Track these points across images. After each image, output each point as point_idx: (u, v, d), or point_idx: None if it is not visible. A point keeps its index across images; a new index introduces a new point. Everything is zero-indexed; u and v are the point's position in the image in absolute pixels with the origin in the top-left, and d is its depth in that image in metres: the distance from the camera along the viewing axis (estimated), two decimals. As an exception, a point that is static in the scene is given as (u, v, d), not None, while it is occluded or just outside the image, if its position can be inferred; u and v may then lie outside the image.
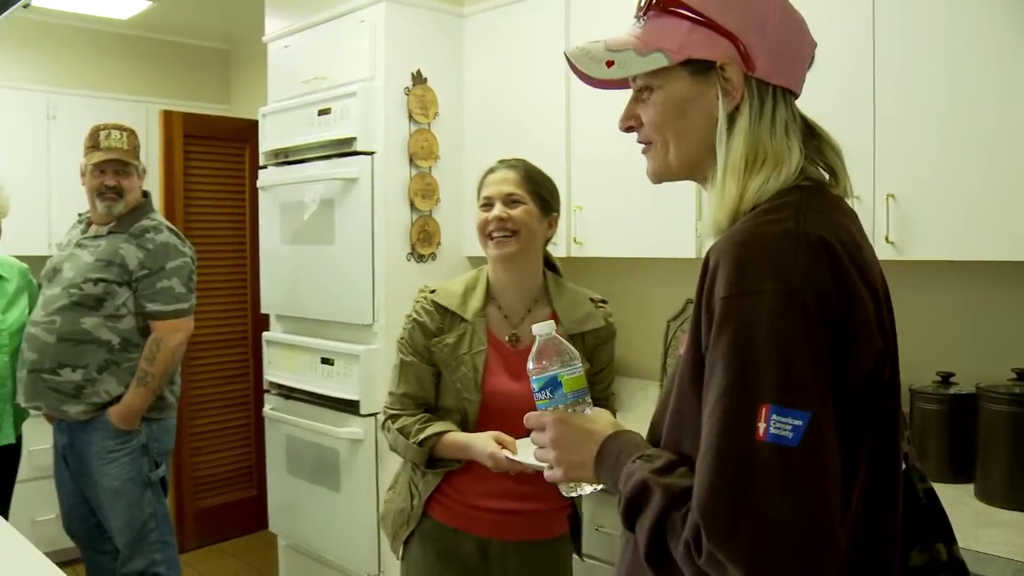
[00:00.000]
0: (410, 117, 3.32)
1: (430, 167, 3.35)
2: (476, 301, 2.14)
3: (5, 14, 2.53)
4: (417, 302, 2.17)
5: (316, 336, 3.52)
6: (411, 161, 3.31)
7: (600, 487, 1.26)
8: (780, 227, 1.02)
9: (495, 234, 2.11)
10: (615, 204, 2.98)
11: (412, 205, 3.32)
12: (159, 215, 3.26)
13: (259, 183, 3.77)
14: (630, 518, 1.10)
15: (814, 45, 1.19)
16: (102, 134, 3.16)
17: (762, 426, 0.96)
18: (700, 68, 1.14)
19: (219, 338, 4.83)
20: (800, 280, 0.99)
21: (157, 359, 3.08)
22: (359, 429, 3.28)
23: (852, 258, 1.03)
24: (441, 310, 2.13)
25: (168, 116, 4.69)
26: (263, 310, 3.87)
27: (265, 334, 3.82)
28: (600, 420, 1.27)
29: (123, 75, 5.25)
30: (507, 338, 2.15)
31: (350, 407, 3.33)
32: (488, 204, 2.14)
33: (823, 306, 0.98)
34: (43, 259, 3.60)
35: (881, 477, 1.08)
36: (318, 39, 3.56)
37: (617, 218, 2.99)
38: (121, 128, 3.23)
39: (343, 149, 3.34)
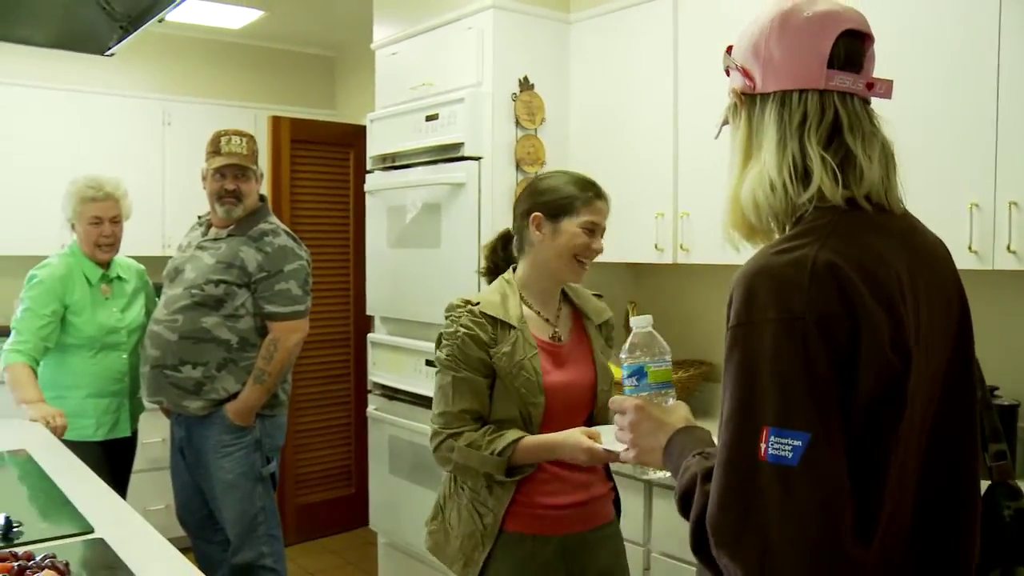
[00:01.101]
0: (517, 123, 3.36)
1: (536, 172, 3.39)
2: (515, 308, 2.19)
3: (141, 29, 2.64)
4: (459, 317, 2.17)
5: (420, 338, 3.58)
6: (517, 166, 3.35)
7: (666, 474, 1.38)
8: (792, 256, 1.09)
9: (584, 261, 2.20)
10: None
11: (518, 210, 3.36)
12: (275, 219, 3.36)
13: (366, 187, 3.85)
14: (683, 509, 1.20)
15: (839, 33, 1.19)
16: (223, 140, 3.27)
17: (763, 447, 1.03)
18: (734, 106, 1.29)
19: (322, 339, 4.94)
20: (803, 308, 1.05)
21: (274, 358, 3.18)
22: (462, 430, 3.32)
23: (870, 280, 1.08)
24: (491, 320, 2.15)
25: (276, 122, 4.83)
26: (368, 312, 3.96)
27: (370, 335, 3.90)
28: (676, 413, 1.39)
29: (234, 82, 5.44)
30: (550, 337, 2.23)
31: (452, 409, 3.37)
32: (592, 230, 2.19)
33: (825, 331, 1.04)
34: (157, 260, 3.76)
35: (906, 489, 1.12)
36: (425, 46, 3.62)
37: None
38: (241, 134, 3.35)
39: (450, 154, 3.40)
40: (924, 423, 1.15)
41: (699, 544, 1.13)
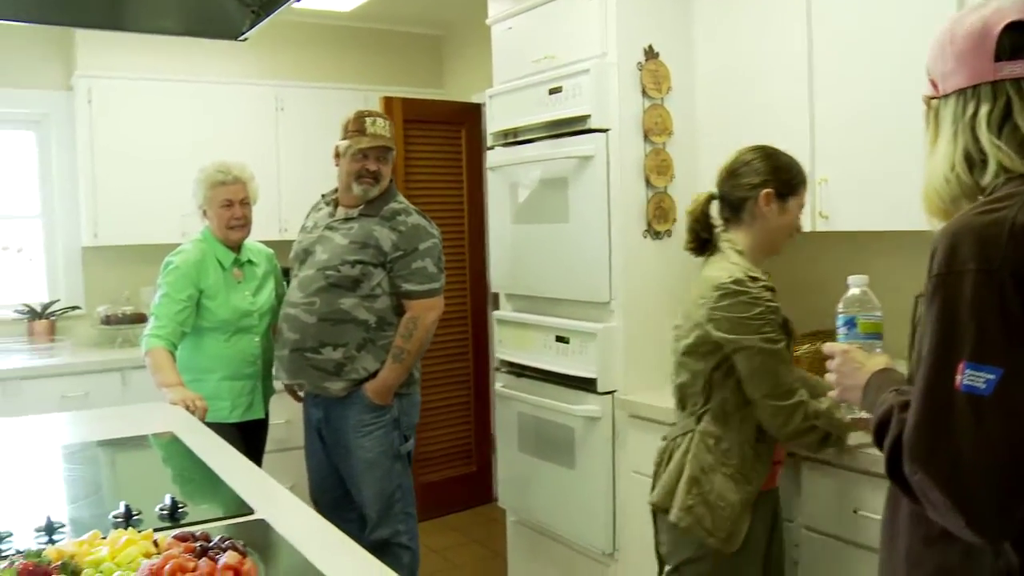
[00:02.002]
0: (643, 93, 3.27)
1: (664, 143, 3.30)
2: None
3: (274, 13, 2.65)
4: (759, 293, 2.25)
5: (549, 314, 3.53)
6: (645, 137, 3.27)
7: (865, 414, 1.55)
8: (992, 217, 1.24)
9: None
10: (865, 174, 2.84)
11: (647, 182, 3.28)
12: (403, 198, 3.35)
13: (488, 164, 3.82)
14: (879, 438, 1.37)
15: (999, 30, 1.34)
16: (367, 120, 3.27)
17: (959, 378, 1.21)
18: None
19: (441, 318, 4.94)
20: (1000, 261, 1.21)
21: (413, 336, 3.19)
22: (596, 407, 3.27)
23: None
24: (772, 291, 2.30)
25: (389, 102, 4.83)
26: (493, 289, 3.94)
27: (496, 313, 3.88)
28: (877, 359, 1.59)
29: (343, 65, 5.47)
30: None
31: (586, 385, 3.32)
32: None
33: (1019, 282, 1.20)
34: (275, 244, 3.80)
35: None
36: (544, 19, 3.56)
37: (867, 189, 2.84)
38: (383, 115, 3.37)
39: (575, 127, 3.33)
40: None
41: (893, 467, 1.31)
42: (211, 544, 1.52)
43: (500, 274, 3.85)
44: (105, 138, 4.80)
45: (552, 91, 3.42)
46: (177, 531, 1.64)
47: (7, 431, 2.95)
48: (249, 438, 3.45)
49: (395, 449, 3.28)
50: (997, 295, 1.20)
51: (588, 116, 3.26)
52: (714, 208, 2.49)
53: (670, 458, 2.43)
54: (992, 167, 1.33)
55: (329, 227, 3.30)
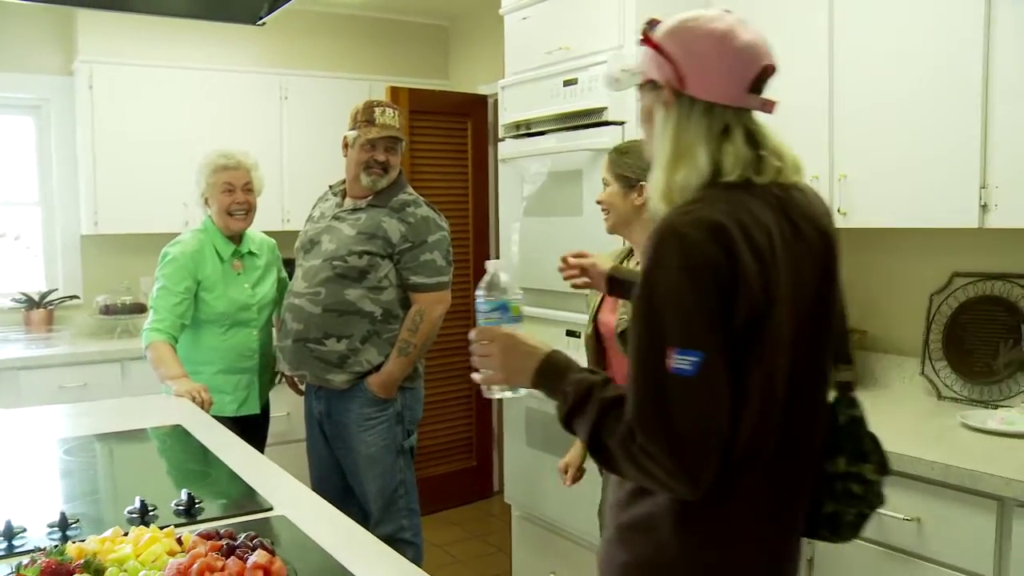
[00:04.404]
0: (660, 85, 3.23)
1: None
2: None
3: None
4: None
5: (560, 308, 3.49)
6: (661, 130, 3.23)
7: (526, 391, 1.64)
8: (690, 216, 1.41)
9: None
10: (885, 170, 2.81)
11: (662, 175, 3.24)
12: (412, 190, 3.30)
13: (500, 156, 3.77)
14: (571, 417, 1.51)
15: (763, 66, 1.51)
16: (377, 110, 3.21)
17: (669, 362, 1.37)
18: (653, 85, 1.54)
19: (445, 311, 4.90)
20: (698, 256, 1.37)
21: (420, 330, 3.14)
22: (606, 403, 3.24)
23: (746, 237, 1.40)
24: None
25: (395, 92, 4.79)
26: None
27: (504, 307, 3.83)
28: (537, 339, 1.62)
29: (348, 54, 5.41)
30: None
31: (597, 380, 3.28)
32: None
33: (715, 275, 1.37)
34: (277, 234, 3.73)
35: (773, 392, 1.45)
36: (559, 9, 3.51)
37: (887, 185, 2.81)
38: (392, 106, 3.31)
39: (591, 120, 3.29)
40: (795, 343, 1.48)
41: (595, 443, 1.48)
42: (238, 543, 1.48)
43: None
44: (106, 124, 4.73)
45: (567, 83, 3.37)
46: (201, 528, 1.59)
47: (8, 423, 2.90)
48: (248, 433, 3.39)
49: (398, 444, 3.23)
50: (696, 287, 1.38)
51: (604, 108, 3.22)
52: None
53: None
54: (727, 171, 1.50)
55: (336, 217, 3.24)
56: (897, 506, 2.36)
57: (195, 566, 1.37)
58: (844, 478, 1.63)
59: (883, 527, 2.39)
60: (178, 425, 2.76)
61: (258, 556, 1.41)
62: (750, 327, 1.40)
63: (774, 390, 1.46)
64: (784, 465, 1.52)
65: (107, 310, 4.95)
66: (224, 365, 3.37)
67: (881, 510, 2.33)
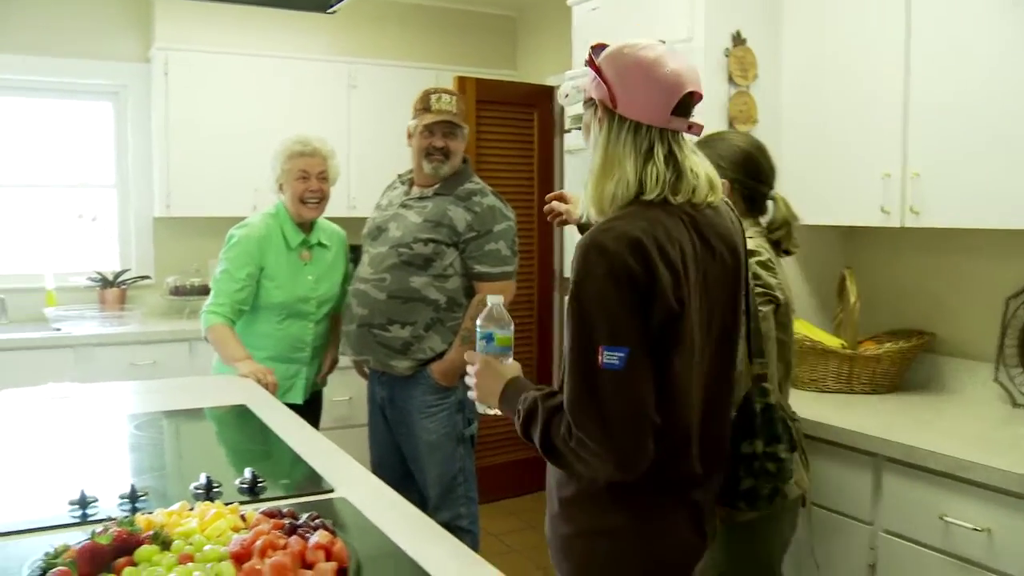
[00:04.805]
0: (730, 79, 3.20)
1: (748, 131, 3.23)
2: None
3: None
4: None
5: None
6: (730, 125, 3.20)
7: (498, 411, 1.90)
8: (613, 232, 1.60)
9: None
10: (960, 168, 2.75)
11: (730, 170, 3.21)
12: (479, 179, 3.31)
13: (567, 146, 3.77)
14: (526, 428, 1.74)
15: (686, 93, 1.69)
16: (432, 97, 3.23)
17: (600, 359, 1.57)
18: (593, 103, 1.76)
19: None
20: (620, 266, 1.57)
21: None
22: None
23: (660, 250, 1.60)
24: None
25: (462, 82, 4.80)
26: (566, 274, 3.88)
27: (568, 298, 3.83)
28: (511, 369, 1.88)
29: (416, 43, 5.45)
30: None
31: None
32: None
33: (634, 283, 1.57)
34: (343, 221, 3.73)
35: (691, 384, 1.69)
36: (628, 1, 3.49)
37: (962, 184, 2.75)
38: (450, 92, 3.30)
39: (658, 112, 3.27)
40: (707, 343, 1.72)
41: (546, 446, 1.69)
42: (300, 522, 1.50)
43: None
44: (180, 110, 4.84)
45: (635, 75, 3.35)
46: (264, 507, 1.63)
47: (85, 398, 2.98)
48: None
49: (458, 432, 3.25)
50: (619, 293, 1.57)
51: (673, 101, 3.19)
52: None
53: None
54: (650, 188, 1.69)
55: (404, 205, 3.27)
56: (967, 516, 2.32)
57: (258, 543, 1.40)
58: (761, 458, 1.93)
59: (952, 537, 2.35)
60: (242, 405, 2.81)
61: (320, 536, 1.43)
62: (665, 329, 1.62)
63: (692, 382, 1.69)
64: (704, 445, 1.75)
65: (177, 291, 5.07)
66: (274, 353, 3.36)
67: (950, 519, 2.34)
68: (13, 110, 5.00)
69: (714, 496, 1.86)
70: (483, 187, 3.26)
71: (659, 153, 1.68)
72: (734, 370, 1.85)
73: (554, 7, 5.16)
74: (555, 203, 2.53)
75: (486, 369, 1.89)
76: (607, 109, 1.71)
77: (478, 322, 1.94)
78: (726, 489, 1.93)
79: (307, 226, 3.45)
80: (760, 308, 2.29)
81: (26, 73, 4.88)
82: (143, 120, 5.08)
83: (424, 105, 3.23)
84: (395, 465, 3.38)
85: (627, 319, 1.58)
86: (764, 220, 2.58)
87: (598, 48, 1.77)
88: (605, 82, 1.71)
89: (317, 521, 1.51)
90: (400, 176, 3.46)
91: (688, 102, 1.71)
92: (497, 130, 4.93)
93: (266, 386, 3.09)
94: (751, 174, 2.49)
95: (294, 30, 5.08)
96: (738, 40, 3.21)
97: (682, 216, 1.69)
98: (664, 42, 1.76)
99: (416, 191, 3.29)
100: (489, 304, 1.93)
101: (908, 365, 3.16)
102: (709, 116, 3.13)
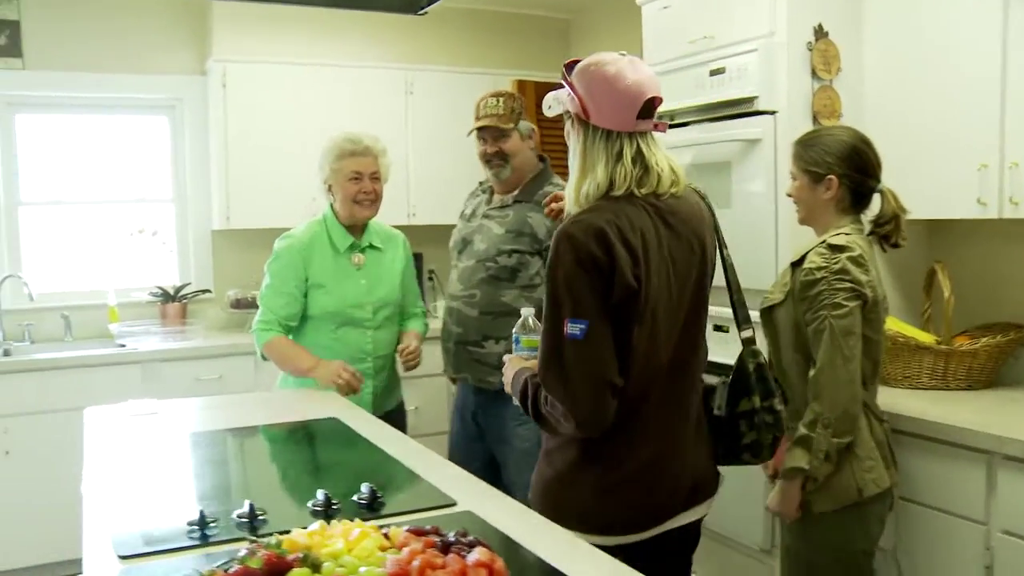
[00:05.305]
0: (813, 74, 3.14)
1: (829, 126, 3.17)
2: None
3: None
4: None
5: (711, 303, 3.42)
6: (814, 120, 3.13)
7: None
8: (581, 224, 1.90)
9: None
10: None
11: (816, 166, 3.15)
12: (560, 180, 3.24)
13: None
14: (523, 404, 2.08)
15: (648, 99, 1.97)
16: (480, 103, 3.17)
17: (566, 330, 1.88)
18: (569, 114, 2.04)
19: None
20: (585, 252, 1.87)
21: None
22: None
23: (622, 237, 1.88)
24: None
25: (522, 86, 4.77)
26: (642, 277, 3.82)
27: (644, 302, 3.77)
28: (527, 364, 2.14)
29: (472, 49, 5.41)
30: None
31: (746, 377, 3.21)
32: None
33: (597, 266, 1.86)
34: (403, 229, 3.58)
35: (656, 349, 1.98)
36: (701, -2, 3.45)
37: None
38: (499, 94, 3.20)
39: (739, 109, 3.22)
40: (684, 310, 2.03)
41: (536, 415, 2.04)
42: (452, 539, 1.45)
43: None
44: (238, 121, 4.83)
45: (713, 72, 3.30)
46: (393, 523, 1.58)
47: (168, 414, 2.94)
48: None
49: (547, 441, 3.20)
50: (584, 276, 1.88)
51: (755, 98, 3.14)
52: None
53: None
54: (619, 185, 1.97)
55: (486, 215, 3.21)
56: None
57: (415, 562, 1.35)
58: (760, 412, 2.12)
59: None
60: (333, 417, 2.76)
61: (479, 554, 1.38)
62: (625, 302, 1.90)
63: (657, 348, 1.97)
64: (669, 405, 2.04)
65: (237, 304, 5.05)
66: None
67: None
68: (70, 127, 5.02)
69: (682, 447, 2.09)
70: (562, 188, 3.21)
71: (627, 155, 1.96)
72: (702, 335, 2.14)
73: (611, 9, 5.13)
74: (554, 203, 2.86)
75: (509, 365, 2.22)
76: (581, 120, 1.99)
77: (513, 329, 2.28)
78: (728, 448, 2.17)
79: (358, 229, 3.27)
80: (844, 303, 2.34)
81: (81, 90, 4.90)
82: (199, 133, 5.08)
83: (475, 114, 3.18)
84: (482, 474, 3.31)
85: (589, 296, 1.88)
86: (865, 215, 2.54)
87: (570, 65, 2.03)
88: (577, 97, 1.98)
89: (469, 538, 1.46)
90: (481, 184, 3.40)
91: (650, 106, 1.97)
92: (556, 133, 4.86)
93: (347, 384, 3.04)
94: (859, 168, 2.49)
95: (350, 38, 5.07)
96: (820, 33, 3.15)
97: (646, 206, 1.96)
98: (624, 54, 2.01)
99: (497, 199, 3.24)
100: (523, 315, 2.27)
101: (1004, 360, 3.08)
102: (793, 112, 3.10)
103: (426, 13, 2.86)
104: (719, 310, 3.31)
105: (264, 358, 3.27)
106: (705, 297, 2.11)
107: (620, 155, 1.95)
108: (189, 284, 5.10)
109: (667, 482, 2.05)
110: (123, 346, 4.62)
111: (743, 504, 3.25)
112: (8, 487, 4.17)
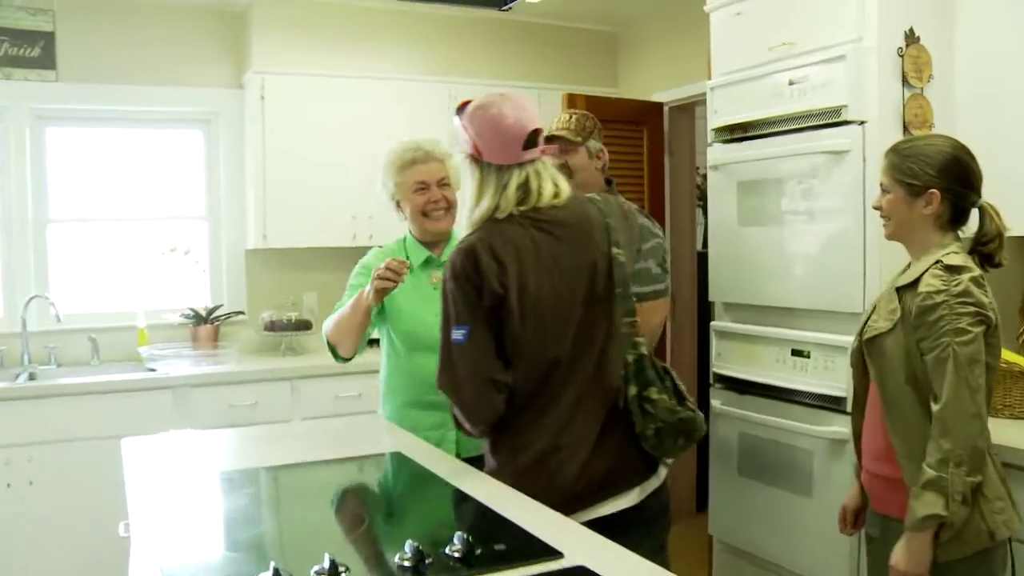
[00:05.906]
0: (904, 81, 2.94)
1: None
2: None
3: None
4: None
5: (783, 326, 3.21)
6: (905, 130, 2.94)
7: None
8: (461, 245, 2.20)
9: None
10: None
11: (908, 179, 2.94)
12: (623, 199, 3.04)
13: (710, 161, 3.51)
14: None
15: (529, 131, 2.20)
16: (554, 120, 3.10)
17: (452, 336, 2.17)
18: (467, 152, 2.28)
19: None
20: (460, 269, 2.16)
21: None
22: (843, 428, 2.93)
23: (491, 251, 2.14)
24: None
25: (572, 99, 4.58)
26: (711, 298, 3.61)
27: (714, 324, 3.56)
28: None
29: (515, 62, 5.25)
30: None
31: (831, 404, 3.01)
32: None
33: (468, 278, 2.15)
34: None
35: (544, 344, 2.21)
36: (779, 3, 3.24)
37: None
38: (573, 112, 3.14)
39: (823, 120, 3.02)
40: (579, 304, 2.22)
41: (454, 417, 2.33)
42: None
43: (721, 281, 3.52)
44: (276, 135, 4.66)
45: (793, 81, 3.10)
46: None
47: (208, 447, 2.73)
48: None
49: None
50: (461, 288, 2.15)
51: (843, 107, 2.94)
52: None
53: None
54: (503, 209, 2.21)
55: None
56: None
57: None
58: (638, 401, 2.23)
59: None
60: (397, 452, 2.53)
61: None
62: (497, 306, 2.14)
63: (546, 344, 2.19)
64: (565, 397, 2.20)
65: (272, 326, 4.84)
66: (409, 397, 2.88)
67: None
68: (102, 142, 4.85)
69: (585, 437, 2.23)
70: (629, 207, 3.01)
71: (513, 184, 2.19)
72: (609, 320, 2.26)
73: (660, 22, 4.99)
74: None
75: None
76: (475, 158, 2.23)
77: None
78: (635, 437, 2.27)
79: (438, 245, 2.97)
80: (969, 329, 2.12)
81: (114, 103, 4.74)
82: (235, 147, 4.91)
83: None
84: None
85: (465, 305, 2.15)
86: (964, 232, 2.34)
87: (461, 107, 2.27)
88: (470, 138, 2.22)
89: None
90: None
91: (534, 137, 2.21)
92: (607, 148, 4.68)
93: (394, 271, 2.62)
94: (961, 180, 2.27)
95: (391, 50, 4.91)
96: (911, 38, 2.95)
97: (523, 220, 2.20)
98: (503, 94, 2.22)
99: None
100: None
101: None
102: (883, 122, 2.91)
103: (510, 9, 2.76)
104: (793, 333, 3.17)
105: (335, 355, 2.94)
106: (607, 294, 2.26)
107: (507, 185, 2.19)
108: (222, 305, 4.91)
109: (570, 469, 2.18)
110: (153, 370, 4.42)
111: (827, 539, 3.01)
112: (32, 518, 3.95)
